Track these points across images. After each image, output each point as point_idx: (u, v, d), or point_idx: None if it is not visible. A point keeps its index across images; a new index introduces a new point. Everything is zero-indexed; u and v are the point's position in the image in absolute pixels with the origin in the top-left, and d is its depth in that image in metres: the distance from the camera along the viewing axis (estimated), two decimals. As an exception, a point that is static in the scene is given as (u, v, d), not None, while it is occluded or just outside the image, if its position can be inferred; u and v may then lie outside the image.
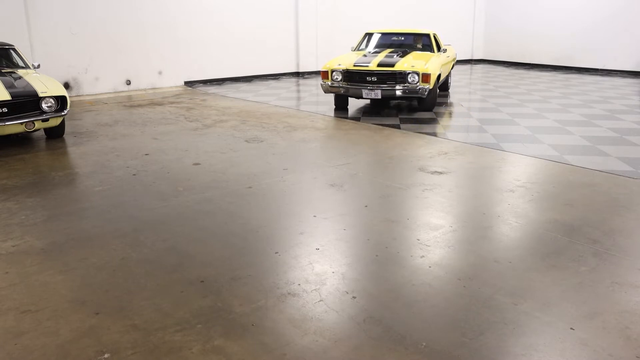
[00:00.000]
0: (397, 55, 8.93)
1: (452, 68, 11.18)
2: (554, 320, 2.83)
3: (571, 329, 2.76)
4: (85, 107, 9.58)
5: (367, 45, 10.11)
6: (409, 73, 8.30)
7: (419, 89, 8.31)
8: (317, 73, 14.47)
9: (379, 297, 3.06)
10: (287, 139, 6.96)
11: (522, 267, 3.42)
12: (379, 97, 8.42)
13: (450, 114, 8.85)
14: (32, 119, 6.35)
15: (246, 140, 6.91)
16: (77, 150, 6.49)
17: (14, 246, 3.77)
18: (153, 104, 9.89)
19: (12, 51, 7.62)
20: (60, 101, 6.60)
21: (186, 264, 3.49)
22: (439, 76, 9.04)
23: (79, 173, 5.59)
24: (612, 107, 9.34)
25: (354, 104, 9.64)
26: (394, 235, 3.92)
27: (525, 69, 16.29)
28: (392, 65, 8.42)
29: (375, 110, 9.15)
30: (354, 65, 8.61)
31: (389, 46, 9.91)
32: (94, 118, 8.52)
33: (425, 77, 8.26)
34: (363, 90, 8.46)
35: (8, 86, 6.39)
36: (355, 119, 8.47)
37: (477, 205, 4.57)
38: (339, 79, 8.73)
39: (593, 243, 3.78)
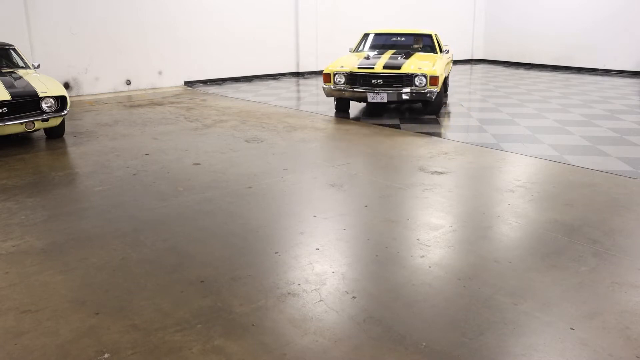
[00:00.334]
0: (401, 57, 8.59)
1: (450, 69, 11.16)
2: (554, 320, 2.83)
3: (571, 329, 2.76)
4: (85, 107, 9.58)
5: (366, 46, 9.79)
6: (417, 75, 7.95)
7: (427, 92, 7.97)
8: (317, 73, 14.47)
9: (379, 297, 3.06)
10: (287, 139, 6.96)
11: (522, 267, 3.42)
12: (385, 100, 8.03)
13: (450, 114, 8.84)
14: (32, 119, 6.35)
15: (246, 140, 6.91)
16: (77, 150, 6.49)
17: (14, 246, 3.77)
18: (153, 104, 9.89)
19: (12, 51, 7.62)
20: (60, 101, 6.61)
21: (186, 264, 3.49)
22: (445, 78, 8.95)
23: (79, 173, 5.59)
24: (612, 107, 9.34)
25: (354, 104, 9.63)
26: (394, 235, 3.92)
27: (525, 69, 16.29)
28: (399, 68, 8.07)
29: (376, 111, 9.15)
30: (358, 68, 8.23)
31: (390, 47, 9.59)
32: (94, 118, 8.52)
33: (434, 80, 7.93)
34: (368, 93, 8.09)
35: (8, 86, 6.39)
36: (355, 119, 8.47)
37: (477, 205, 4.57)
38: (341, 82, 8.33)
39: (593, 243, 3.78)
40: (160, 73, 11.73)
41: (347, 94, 8.36)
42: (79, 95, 10.65)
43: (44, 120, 6.51)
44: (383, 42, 9.84)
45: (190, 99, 10.40)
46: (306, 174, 5.45)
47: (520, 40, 17.34)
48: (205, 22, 12.37)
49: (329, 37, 14.38)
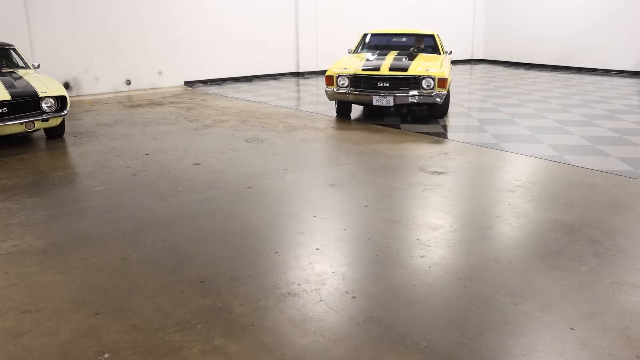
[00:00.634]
0: (406, 58, 8.24)
1: None
2: (554, 320, 2.83)
3: (571, 329, 2.76)
4: (85, 107, 9.58)
5: (366, 47, 9.44)
6: (424, 78, 7.59)
7: (435, 94, 7.62)
8: (317, 73, 14.47)
9: (379, 297, 3.06)
10: (287, 139, 6.96)
11: (522, 267, 3.42)
12: (391, 104, 7.69)
13: (450, 114, 8.84)
14: (32, 119, 6.35)
15: (246, 140, 6.91)
16: (77, 150, 6.49)
17: (14, 246, 3.77)
18: (153, 104, 9.89)
19: (12, 51, 7.62)
20: (60, 101, 6.61)
21: (186, 264, 3.49)
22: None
23: (79, 173, 5.59)
24: (612, 107, 9.34)
25: (355, 106, 9.61)
26: (394, 235, 3.92)
27: (525, 69, 16.30)
28: (405, 70, 7.72)
29: (376, 111, 9.14)
30: (363, 70, 7.85)
31: (391, 48, 9.21)
32: (94, 118, 8.52)
33: (442, 82, 7.59)
34: (374, 97, 7.71)
35: (8, 86, 6.39)
36: (356, 119, 8.47)
37: (477, 205, 4.57)
38: (345, 85, 7.93)
39: (593, 243, 3.78)
40: (160, 73, 11.73)
41: (351, 97, 8.01)
42: (79, 95, 10.65)
43: (44, 120, 6.51)
44: (384, 42, 9.53)
45: (190, 99, 10.40)
46: (306, 174, 5.44)
47: (520, 40, 17.34)
48: (205, 22, 12.37)
49: (329, 37, 14.38)
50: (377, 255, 3.60)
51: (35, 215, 4.36)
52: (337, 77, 8.01)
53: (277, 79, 13.68)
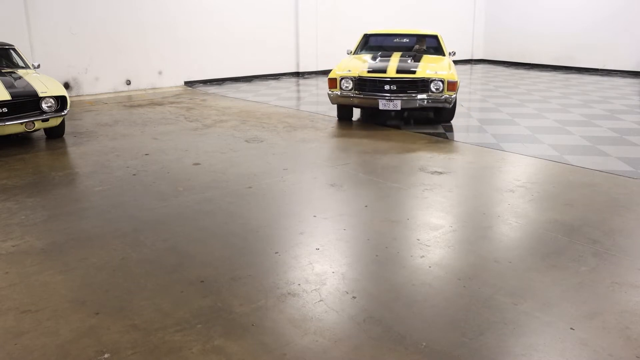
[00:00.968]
0: (411, 60, 7.90)
1: None
2: (554, 320, 2.83)
3: (571, 329, 2.76)
4: (85, 107, 9.58)
5: (366, 48, 9.09)
6: (433, 80, 7.25)
7: (444, 98, 7.27)
8: (317, 73, 14.47)
9: (379, 297, 3.06)
10: (287, 139, 6.96)
11: (522, 267, 3.42)
12: (398, 108, 7.32)
13: (450, 114, 8.84)
14: (32, 119, 6.35)
15: (246, 140, 6.91)
16: (77, 150, 6.49)
17: (14, 246, 3.77)
18: (153, 104, 9.89)
19: (12, 51, 7.62)
20: (60, 101, 6.61)
21: (186, 264, 3.49)
22: None
23: (79, 173, 5.59)
24: (612, 107, 9.34)
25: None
26: (394, 235, 3.92)
27: (525, 69, 16.29)
28: (413, 72, 7.37)
29: (376, 111, 9.13)
30: (369, 72, 7.47)
31: (394, 49, 8.86)
32: (94, 118, 8.52)
33: (452, 85, 7.27)
34: (380, 100, 7.34)
35: (8, 86, 6.39)
36: (356, 119, 8.46)
37: (477, 205, 4.57)
38: (349, 88, 7.55)
39: (593, 243, 3.78)
40: (160, 73, 11.72)
41: (356, 101, 7.63)
42: (79, 95, 10.65)
43: (44, 120, 6.51)
44: (384, 43, 9.16)
45: (190, 99, 10.40)
46: (306, 174, 5.44)
47: (520, 40, 17.34)
48: (205, 22, 12.37)
49: (329, 37, 14.37)
50: (377, 255, 3.60)
51: (35, 215, 4.37)
52: (341, 80, 7.62)
53: (277, 79, 13.68)
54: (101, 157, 6.14)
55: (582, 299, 3.04)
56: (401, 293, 3.11)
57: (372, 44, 9.21)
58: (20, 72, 7.18)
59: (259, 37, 13.31)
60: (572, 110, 9.05)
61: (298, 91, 11.63)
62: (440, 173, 5.47)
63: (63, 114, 6.63)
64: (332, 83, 7.71)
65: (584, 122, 8.06)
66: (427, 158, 6.04)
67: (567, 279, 3.27)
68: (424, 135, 7.23)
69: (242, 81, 13.15)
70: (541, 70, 15.76)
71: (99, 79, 10.88)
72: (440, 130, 7.58)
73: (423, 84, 7.32)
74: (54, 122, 6.69)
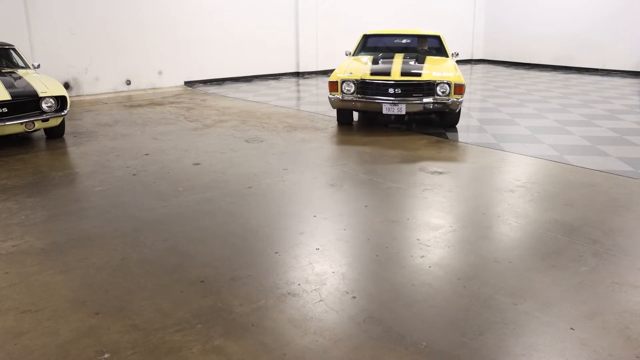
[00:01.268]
0: (415, 62, 7.64)
1: None
2: (554, 320, 2.83)
3: (571, 329, 2.76)
4: (85, 107, 9.58)
5: (365, 49, 8.79)
6: (439, 83, 6.98)
7: (451, 102, 7.00)
8: (317, 73, 14.47)
9: (379, 297, 3.06)
10: (287, 139, 6.96)
11: (522, 267, 3.42)
12: (403, 112, 7.02)
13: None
14: (32, 119, 6.35)
15: (246, 140, 6.91)
16: (77, 150, 6.49)
17: (14, 246, 3.77)
18: (153, 104, 9.89)
19: (12, 51, 7.62)
20: (60, 101, 6.61)
21: (186, 264, 3.49)
22: None
23: (79, 173, 5.59)
24: (612, 107, 9.34)
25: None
26: (394, 235, 3.92)
27: (525, 69, 16.30)
28: (419, 75, 7.07)
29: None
30: (372, 75, 7.16)
31: (394, 50, 8.58)
32: (94, 118, 8.52)
33: (459, 88, 7.01)
34: (383, 104, 7.01)
35: (8, 86, 6.39)
36: (355, 119, 8.46)
37: (477, 205, 4.57)
38: (351, 91, 7.22)
39: (593, 243, 3.78)
40: (160, 73, 11.72)
41: (359, 105, 7.28)
42: (79, 95, 10.65)
43: (44, 120, 6.51)
44: (385, 44, 8.84)
45: (190, 99, 10.40)
46: (306, 174, 5.44)
47: (520, 40, 17.33)
48: (205, 22, 12.37)
49: (329, 37, 14.37)
50: (377, 255, 3.60)
51: (35, 215, 4.37)
52: (342, 83, 7.26)
53: (277, 79, 13.68)
54: (101, 157, 6.14)
55: (582, 299, 3.04)
56: (401, 293, 3.11)
57: (372, 44, 8.92)
58: (20, 72, 7.18)
59: (259, 37, 13.30)
60: (572, 110, 9.05)
61: (298, 91, 11.63)
62: (440, 173, 5.47)
63: (63, 114, 6.63)
64: (333, 86, 7.36)
65: (584, 122, 8.06)
66: (427, 158, 6.04)
67: (567, 279, 3.27)
68: (424, 135, 7.23)
69: (242, 81, 13.15)
70: (541, 70, 15.76)
71: (99, 79, 10.88)
72: (440, 130, 7.57)
73: (429, 87, 7.04)
74: (54, 122, 6.69)
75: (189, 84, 12.40)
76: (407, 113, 7.04)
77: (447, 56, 8.46)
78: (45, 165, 5.85)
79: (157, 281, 3.26)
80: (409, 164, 5.82)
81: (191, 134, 7.29)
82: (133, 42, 11.14)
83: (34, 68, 7.59)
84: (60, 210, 4.48)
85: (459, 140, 6.94)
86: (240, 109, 9.30)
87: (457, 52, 8.97)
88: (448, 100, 7.02)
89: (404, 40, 8.80)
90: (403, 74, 7.11)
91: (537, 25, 16.75)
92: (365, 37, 8.98)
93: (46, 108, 6.48)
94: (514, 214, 4.33)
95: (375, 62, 7.76)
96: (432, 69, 7.29)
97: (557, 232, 3.97)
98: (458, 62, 17.43)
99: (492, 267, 3.43)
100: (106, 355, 2.55)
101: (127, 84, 11.31)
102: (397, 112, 7.02)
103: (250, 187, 5.03)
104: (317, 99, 10.51)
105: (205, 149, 6.46)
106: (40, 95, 6.42)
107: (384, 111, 7.06)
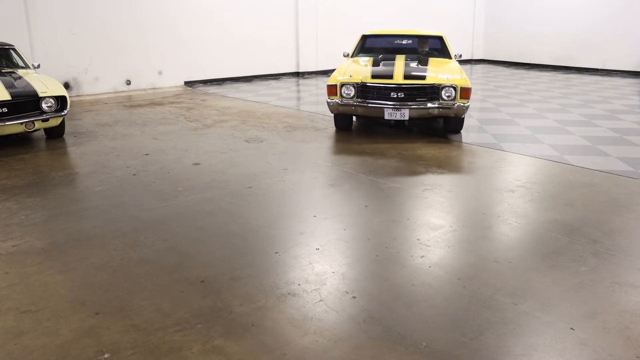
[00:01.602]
0: (418, 64, 7.32)
1: None
2: (554, 320, 2.83)
3: (571, 329, 2.76)
4: (85, 107, 9.58)
5: (364, 50, 8.44)
6: (445, 87, 6.64)
7: (457, 106, 6.64)
8: (317, 73, 14.47)
9: (379, 297, 3.06)
10: (287, 139, 6.96)
11: (522, 267, 3.42)
12: (406, 118, 6.65)
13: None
14: (32, 119, 6.35)
15: (246, 140, 6.91)
16: (77, 150, 6.49)
17: (14, 246, 3.77)
18: (153, 104, 9.89)
19: (12, 51, 7.62)
20: (60, 101, 6.61)
21: (186, 264, 3.49)
22: None
23: (79, 173, 5.59)
24: (612, 107, 9.34)
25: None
26: (394, 235, 3.92)
27: (525, 69, 16.29)
28: (423, 78, 6.72)
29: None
30: (373, 77, 6.81)
31: (395, 51, 8.20)
32: (94, 118, 8.52)
33: (465, 92, 6.66)
34: (385, 109, 6.66)
35: (8, 86, 6.39)
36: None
37: (477, 205, 4.57)
38: (350, 95, 6.86)
39: (593, 243, 3.78)
40: (160, 73, 11.72)
41: (359, 110, 6.90)
42: (79, 95, 10.65)
43: (44, 120, 6.51)
44: (385, 45, 8.45)
45: (190, 99, 10.40)
46: (306, 174, 5.44)
47: (520, 40, 17.33)
48: (205, 22, 12.37)
49: (329, 37, 14.37)
50: (377, 255, 3.60)
51: (35, 215, 4.36)
52: (341, 87, 6.88)
53: (277, 79, 13.68)
54: (101, 157, 6.14)
55: (582, 299, 3.04)
56: (401, 293, 3.11)
57: (372, 45, 8.55)
58: (20, 72, 7.18)
59: (259, 37, 13.30)
60: (572, 110, 9.05)
61: (298, 91, 11.63)
62: (441, 173, 5.47)
63: (63, 114, 6.63)
64: (332, 90, 6.96)
65: (584, 122, 8.06)
66: (427, 158, 6.04)
67: (567, 279, 3.27)
68: (424, 135, 7.23)
69: (242, 81, 13.15)
70: (541, 70, 15.76)
71: (99, 79, 10.88)
72: (441, 130, 7.57)
73: (433, 91, 6.69)
74: (54, 122, 6.69)
75: (189, 84, 12.40)
76: (410, 118, 6.73)
77: (450, 58, 8.13)
78: (45, 165, 5.85)
79: (157, 281, 3.26)
80: (409, 163, 5.82)
81: (191, 134, 7.29)
82: (133, 42, 11.14)
83: (34, 68, 7.59)
84: (60, 210, 4.48)
85: (459, 140, 6.94)
86: (240, 109, 9.30)
87: (461, 53, 8.68)
88: (454, 105, 6.66)
89: (405, 41, 8.42)
90: (406, 76, 6.76)
91: (537, 25, 16.74)
92: (364, 38, 8.62)
93: (46, 108, 6.48)
94: (514, 214, 4.33)
95: (375, 64, 7.41)
96: (437, 72, 6.95)
97: (557, 232, 3.97)
98: (458, 62, 17.46)
99: (492, 267, 3.43)
100: (106, 355, 2.55)
101: (127, 84, 11.31)
102: (399, 117, 6.67)
103: (250, 187, 5.03)
104: (317, 99, 10.51)
105: (205, 149, 6.46)
106: (40, 95, 6.42)
107: (386, 116, 6.72)
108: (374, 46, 8.49)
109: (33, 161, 6.01)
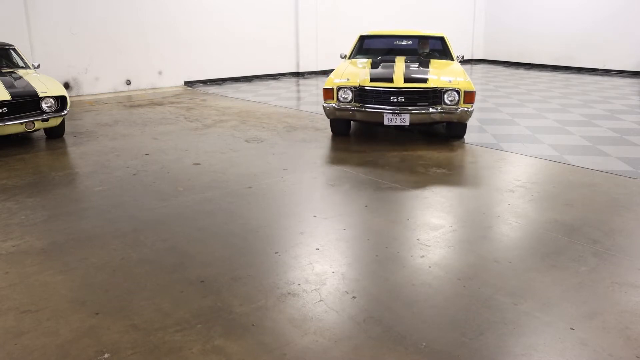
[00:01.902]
0: (419, 66, 6.99)
1: None
2: (554, 320, 2.83)
3: (571, 329, 2.76)
4: (85, 107, 9.58)
5: (362, 52, 8.12)
6: (447, 91, 6.31)
7: (460, 111, 6.33)
8: (317, 73, 14.47)
9: (379, 297, 3.06)
10: (287, 139, 6.96)
11: (522, 267, 3.42)
12: (407, 123, 6.32)
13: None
14: (32, 119, 6.35)
15: (246, 140, 6.91)
16: (77, 150, 6.49)
17: (14, 246, 3.77)
18: (153, 104, 9.89)
19: (12, 51, 7.62)
20: (60, 101, 6.61)
21: (186, 264, 3.49)
22: None
23: (79, 173, 5.59)
24: (612, 107, 9.34)
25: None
26: (394, 235, 3.92)
27: (525, 69, 16.29)
28: (424, 81, 6.40)
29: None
30: (372, 81, 6.47)
31: (394, 53, 7.90)
32: (94, 118, 8.52)
33: (469, 96, 6.34)
34: (385, 115, 6.32)
35: (8, 86, 6.39)
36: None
37: (477, 205, 4.57)
38: (348, 99, 6.52)
39: (593, 243, 3.78)
40: (160, 73, 11.72)
41: (357, 115, 6.55)
42: (79, 95, 10.65)
43: (44, 120, 6.51)
44: (384, 46, 8.12)
45: (190, 99, 10.40)
46: (306, 174, 5.44)
47: (520, 40, 17.33)
48: (205, 22, 12.37)
49: (329, 37, 14.36)
50: (377, 255, 3.60)
51: (35, 215, 4.36)
52: (338, 91, 6.55)
53: (277, 79, 13.68)
54: (101, 157, 6.14)
55: (582, 299, 3.04)
56: (401, 293, 3.11)
57: (370, 46, 8.19)
58: (20, 72, 7.18)
59: (259, 37, 13.30)
60: (572, 110, 9.05)
61: (298, 91, 11.63)
62: (441, 173, 5.47)
63: (63, 114, 6.63)
64: (328, 94, 6.62)
65: (584, 122, 8.06)
66: (427, 158, 6.03)
67: (567, 279, 3.27)
68: (424, 135, 7.23)
69: (242, 81, 13.15)
70: (541, 70, 15.76)
71: (99, 79, 10.88)
72: (441, 130, 7.57)
73: (435, 95, 6.35)
74: (54, 122, 6.69)
75: (189, 84, 12.40)
76: (411, 124, 6.42)
77: (452, 59, 7.77)
78: (45, 165, 5.85)
79: (157, 281, 3.26)
80: (409, 163, 5.82)
81: (191, 134, 7.29)
82: (133, 42, 11.14)
83: (34, 68, 7.59)
84: (60, 210, 4.48)
85: (459, 140, 6.93)
86: (240, 109, 9.30)
87: (463, 55, 8.33)
88: (457, 109, 6.33)
89: (405, 42, 8.09)
90: (407, 79, 6.42)
91: (537, 25, 16.74)
92: (362, 39, 8.26)
93: (46, 108, 6.48)
94: (514, 214, 4.33)
95: (374, 66, 7.07)
96: (439, 74, 6.62)
97: (557, 232, 3.97)
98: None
99: (492, 267, 3.43)
100: (106, 355, 2.55)
101: (127, 84, 11.31)
102: (399, 123, 6.33)
103: (250, 187, 5.03)
104: (317, 99, 10.51)
105: (205, 149, 6.46)
106: (40, 95, 6.42)
107: (385, 122, 6.37)
108: (373, 47, 8.16)
109: (33, 161, 6.01)
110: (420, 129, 7.59)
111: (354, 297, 3.06)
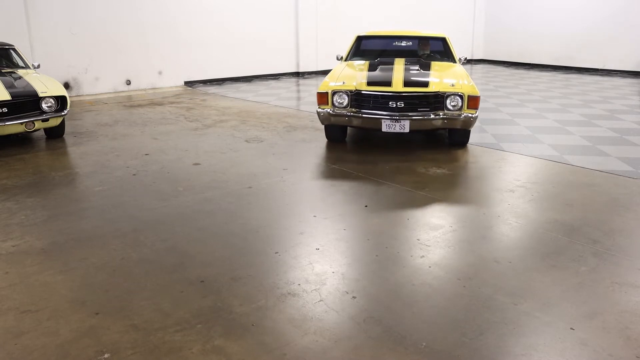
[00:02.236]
0: (419, 69, 6.60)
1: None
2: (554, 320, 2.83)
3: (571, 329, 2.76)
4: (85, 107, 9.58)
5: (360, 53, 7.71)
6: (450, 95, 5.93)
7: (464, 117, 5.94)
8: (317, 73, 14.47)
9: (379, 297, 3.06)
10: (287, 139, 6.96)
11: (522, 267, 3.42)
12: (406, 130, 5.93)
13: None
14: (32, 119, 6.35)
15: (246, 140, 6.91)
16: (77, 150, 6.49)
17: (14, 246, 3.77)
18: (153, 104, 9.89)
19: (12, 51, 7.61)
20: (60, 101, 6.61)
21: (186, 264, 3.49)
22: None
23: (79, 173, 5.59)
24: (612, 107, 9.34)
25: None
26: (394, 235, 3.92)
27: (525, 69, 16.29)
28: (425, 85, 6.01)
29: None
30: (369, 84, 6.06)
31: (393, 54, 7.50)
32: (94, 118, 8.52)
33: (473, 101, 5.95)
34: (383, 121, 5.93)
35: (8, 86, 6.38)
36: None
37: (477, 205, 4.57)
38: (344, 104, 6.11)
39: (593, 243, 3.78)
40: (160, 73, 11.72)
41: (354, 122, 6.15)
42: (79, 95, 10.65)
43: (44, 120, 6.51)
44: (382, 47, 7.73)
45: (190, 99, 10.40)
46: (306, 174, 5.44)
47: (520, 40, 17.33)
48: (205, 22, 12.36)
49: (329, 37, 14.36)
50: (377, 255, 3.60)
51: (35, 215, 4.36)
52: (333, 95, 6.12)
53: (277, 79, 13.68)
54: (101, 157, 6.14)
55: (582, 299, 3.04)
56: (401, 293, 3.11)
57: (368, 48, 7.78)
58: (20, 72, 7.18)
59: (259, 37, 13.30)
60: (572, 110, 9.05)
61: (298, 91, 11.63)
62: (441, 173, 5.47)
63: (63, 114, 6.63)
64: (322, 98, 6.17)
65: (584, 122, 8.06)
66: (427, 158, 6.03)
67: (567, 279, 3.27)
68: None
69: (242, 81, 13.15)
70: (541, 70, 15.76)
71: (99, 79, 10.88)
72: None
73: (436, 100, 5.99)
74: (54, 122, 6.69)
75: (189, 84, 12.40)
76: (411, 131, 6.01)
77: (454, 61, 7.40)
78: (45, 165, 5.85)
79: (157, 281, 3.26)
80: (408, 163, 5.82)
81: (191, 134, 7.29)
82: (133, 42, 11.14)
83: (34, 68, 7.59)
84: (60, 210, 4.48)
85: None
86: (240, 109, 9.30)
87: (466, 57, 7.90)
88: (460, 115, 5.95)
89: (404, 43, 7.68)
90: (406, 83, 6.03)
91: (537, 25, 16.74)
92: (359, 39, 7.83)
93: (46, 108, 6.48)
94: (514, 214, 4.33)
95: (372, 68, 6.66)
96: (441, 77, 6.24)
97: (557, 232, 3.97)
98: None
99: (492, 267, 3.43)
100: (106, 355, 2.55)
101: (127, 84, 11.31)
102: (399, 129, 5.94)
103: (250, 187, 5.03)
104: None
105: (205, 149, 6.46)
106: (40, 95, 6.42)
107: (384, 129, 5.98)
108: (371, 48, 7.76)
109: (33, 161, 6.01)
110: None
111: (354, 297, 3.06)
